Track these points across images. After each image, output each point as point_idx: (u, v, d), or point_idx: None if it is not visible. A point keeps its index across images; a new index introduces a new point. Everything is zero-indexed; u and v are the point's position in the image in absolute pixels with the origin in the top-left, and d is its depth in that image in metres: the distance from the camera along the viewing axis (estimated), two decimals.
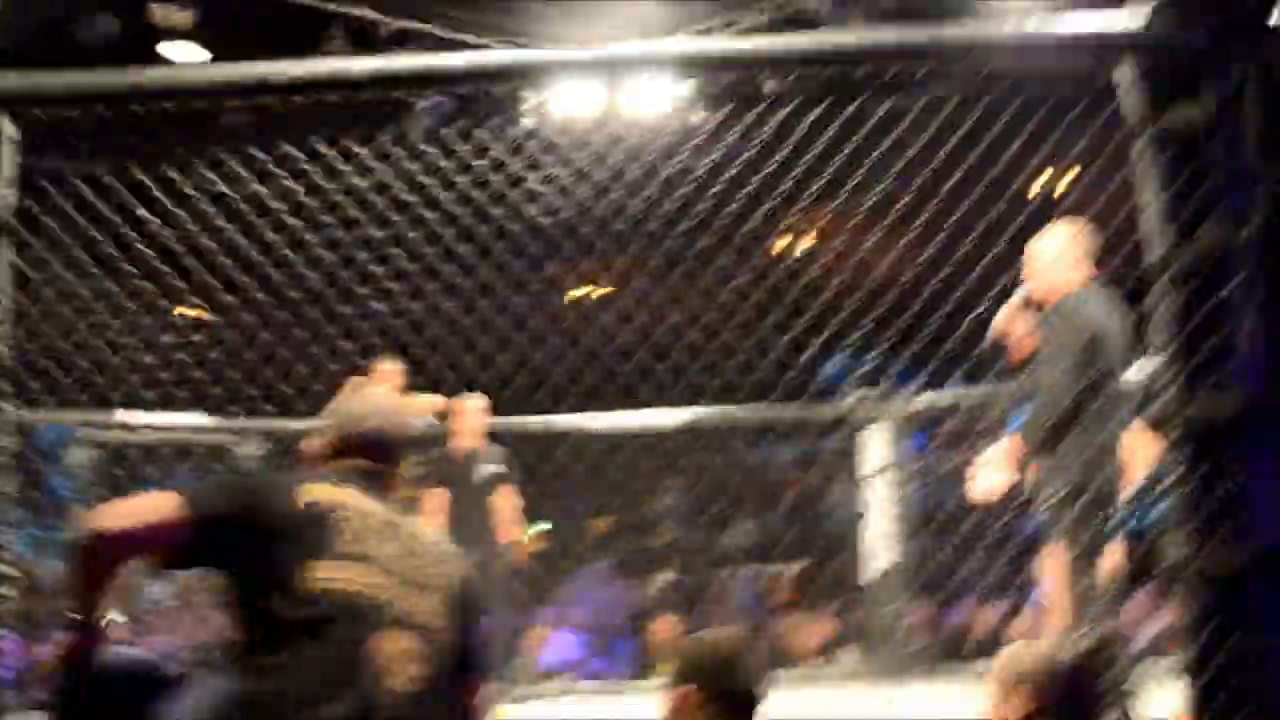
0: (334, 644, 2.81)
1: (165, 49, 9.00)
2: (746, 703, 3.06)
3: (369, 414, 3.32)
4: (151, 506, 2.97)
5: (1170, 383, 4.34)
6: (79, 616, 2.97)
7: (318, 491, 2.99)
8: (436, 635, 2.98)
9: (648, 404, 8.84)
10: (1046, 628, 6.07)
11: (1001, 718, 3.05)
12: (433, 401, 8.74)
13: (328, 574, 2.87)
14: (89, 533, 2.97)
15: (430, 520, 8.54)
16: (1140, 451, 5.63)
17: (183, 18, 9.04)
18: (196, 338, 8.18)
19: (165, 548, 3.01)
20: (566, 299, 10.32)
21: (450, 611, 3.04)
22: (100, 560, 2.99)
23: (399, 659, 2.88)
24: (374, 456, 3.21)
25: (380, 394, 3.94)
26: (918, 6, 9.11)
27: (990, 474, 5.93)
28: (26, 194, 4.74)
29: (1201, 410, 4.28)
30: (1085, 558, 5.45)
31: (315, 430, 3.37)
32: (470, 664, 3.14)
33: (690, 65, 6.07)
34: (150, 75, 5.47)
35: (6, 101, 4.57)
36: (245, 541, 2.95)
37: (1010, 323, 5.94)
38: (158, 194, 5.50)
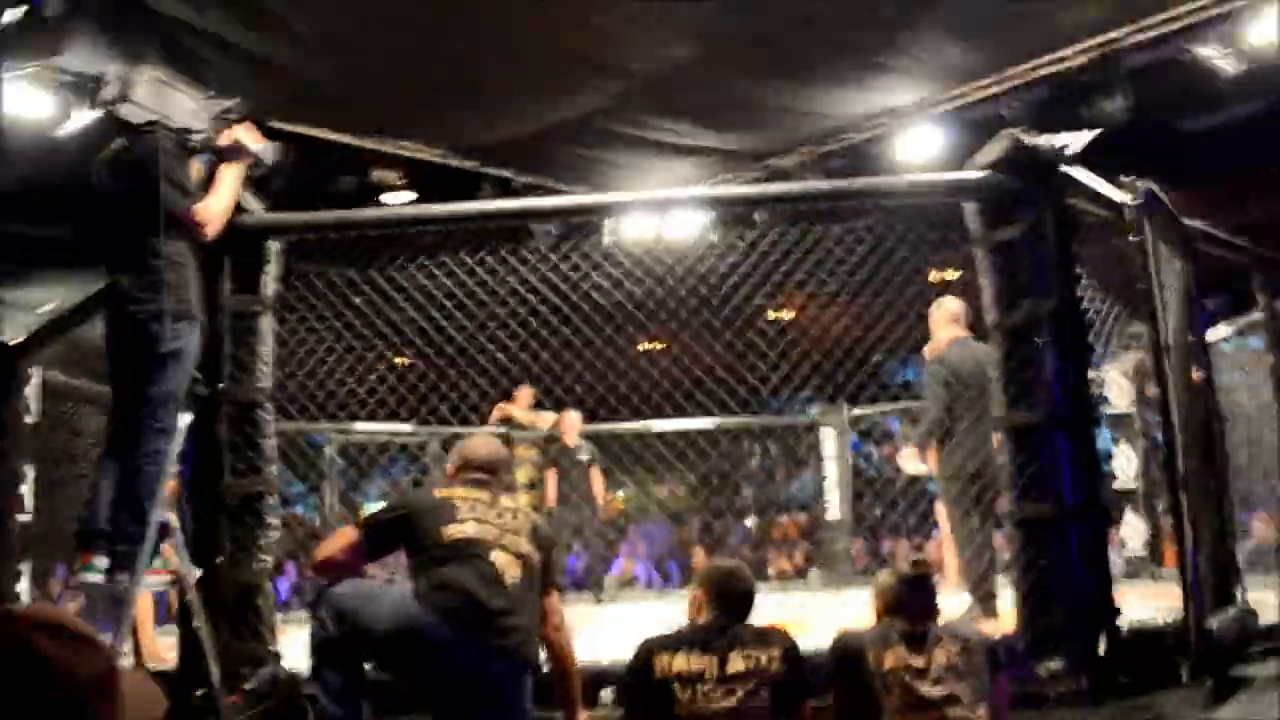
0: (465, 562, 3.07)
1: (383, 198, 9.10)
2: (736, 601, 3.08)
3: (475, 449, 3.58)
4: (341, 540, 3.45)
5: (1000, 399, 4.43)
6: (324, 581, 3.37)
7: (447, 492, 3.30)
8: (525, 558, 3.19)
9: (685, 415, 8.95)
10: (942, 552, 6.12)
11: (875, 613, 3.11)
12: (549, 415, 8.86)
13: (453, 530, 3.17)
14: (313, 562, 3.60)
15: (548, 489, 8.68)
16: None
17: (393, 176, 9.18)
18: (400, 376, 8.21)
19: (358, 559, 3.39)
20: (635, 351, 10.29)
21: (532, 546, 3.25)
22: (325, 571, 3.39)
23: (504, 568, 3.11)
24: (481, 470, 3.47)
25: (485, 435, 4.19)
26: (853, 165, 9.21)
27: (909, 462, 6.07)
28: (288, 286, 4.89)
29: (1020, 418, 4.35)
30: (965, 512, 5.47)
31: (451, 455, 3.67)
32: (548, 577, 3.33)
33: (710, 204, 6.24)
34: (362, 213, 5.69)
35: (276, 229, 4.75)
36: (406, 528, 3.33)
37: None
38: (370, 287, 5.64)
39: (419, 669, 3.13)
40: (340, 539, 3.42)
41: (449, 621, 3.04)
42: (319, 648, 3.21)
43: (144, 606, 5.30)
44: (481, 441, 3.73)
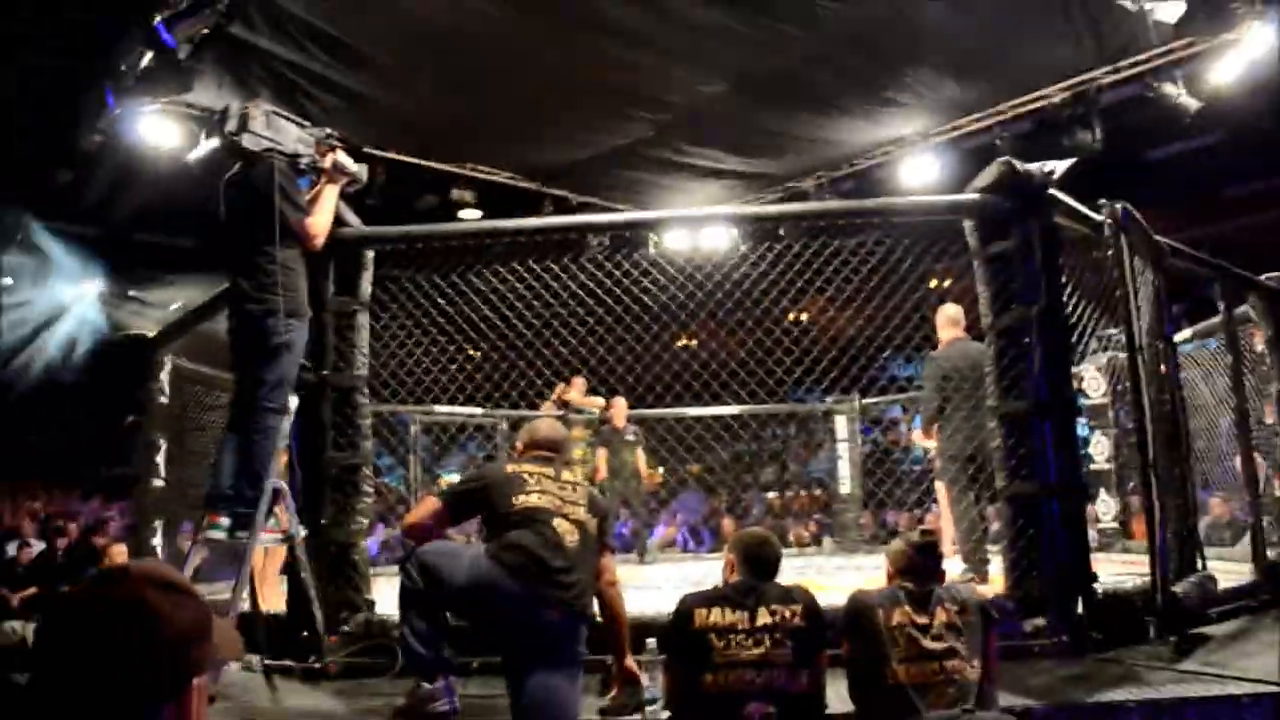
0: (531, 527, 3.06)
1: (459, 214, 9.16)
2: (764, 564, 3.05)
3: (540, 430, 3.55)
4: (427, 507, 3.42)
5: (993, 391, 4.37)
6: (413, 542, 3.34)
7: (516, 467, 3.29)
8: (581, 524, 3.19)
9: (717, 403, 8.89)
10: (940, 524, 6.05)
11: (887, 575, 3.07)
12: (600, 400, 8.86)
13: (522, 500, 3.18)
14: (403, 526, 3.48)
15: (599, 465, 8.67)
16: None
17: (469, 195, 9.24)
18: (477, 367, 8.16)
19: (441, 523, 3.39)
20: (675, 344, 10.20)
21: (588, 514, 3.25)
22: (414, 534, 3.35)
23: (564, 533, 3.11)
24: (545, 448, 3.46)
25: (548, 418, 4.14)
26: (862, 187, 9.15)
27: (920, 441, 6.19)
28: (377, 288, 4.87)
29: (1010, 407, 4.29)
30: (960, 489, 5.45)
31: (519, 435, 3.65)
32: (601, 540, 3.33)
33: (739, 220, 6.19)
34: (445, 226, 5.67)
35: (373, 240, 4.76)
36: (483, 498, 3.32)
37: None
38: (448, 289, 5.60)
39: (490, 617, 3.13)
40: (426, 506, 3.42)
41: (516, 577, 3.05)
42: (407, 597, 3.22)
43: (261, 559, 5.37)
44: (545, 423, 3.73)
